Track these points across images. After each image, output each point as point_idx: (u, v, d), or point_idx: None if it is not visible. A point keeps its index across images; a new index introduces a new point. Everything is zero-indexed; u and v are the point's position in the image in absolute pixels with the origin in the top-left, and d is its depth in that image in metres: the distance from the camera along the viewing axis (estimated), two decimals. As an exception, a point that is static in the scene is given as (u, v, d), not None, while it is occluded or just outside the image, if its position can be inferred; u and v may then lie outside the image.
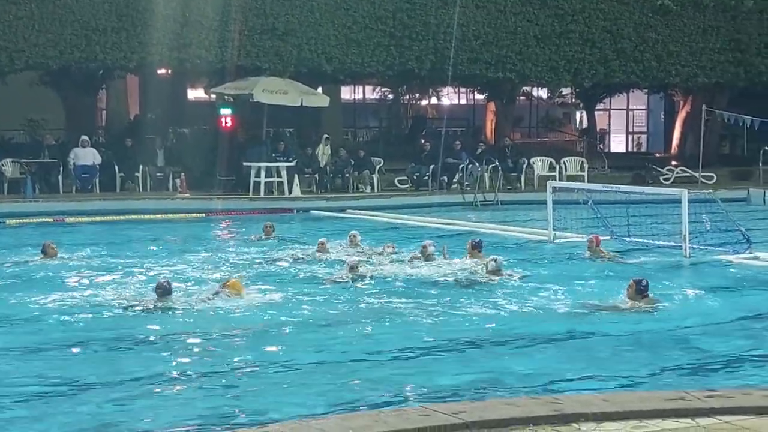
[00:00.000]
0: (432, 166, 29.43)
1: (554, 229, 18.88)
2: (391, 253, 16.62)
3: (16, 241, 19.29)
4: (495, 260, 14.71)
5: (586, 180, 29.47)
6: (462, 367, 9.80)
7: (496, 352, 10.54)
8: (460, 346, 10.69)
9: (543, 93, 46.96)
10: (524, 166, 31.02)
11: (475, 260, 15.44)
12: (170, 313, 12.11)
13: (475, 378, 9.36)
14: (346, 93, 43.88)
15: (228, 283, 13.04)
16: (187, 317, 11.92)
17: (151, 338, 11.00)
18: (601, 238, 17.29)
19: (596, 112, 43.90)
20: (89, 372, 9.55)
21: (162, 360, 10.08)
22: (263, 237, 19.23)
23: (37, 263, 15.77)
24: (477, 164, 28.93)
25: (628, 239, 18.33)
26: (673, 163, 34.96)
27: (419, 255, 15.97)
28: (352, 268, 14.45)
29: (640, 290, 12.36)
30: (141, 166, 28.26)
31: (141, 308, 12.34)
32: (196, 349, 10.54)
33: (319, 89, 31.75)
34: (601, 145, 43.58)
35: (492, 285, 14.12)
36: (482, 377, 9.39)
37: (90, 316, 12.07)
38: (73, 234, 20.39)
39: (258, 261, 16.54)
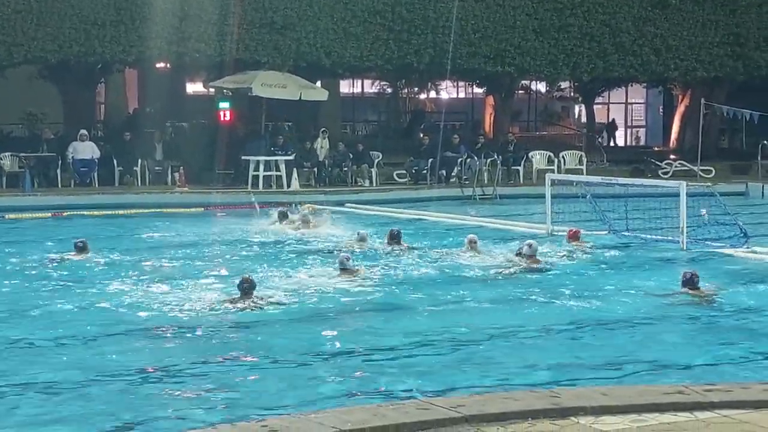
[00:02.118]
0: (431, 160, 29.42)
1: (552, 223, 18.89)
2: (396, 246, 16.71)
3: (18, 236, 19.32)
4: (530, 245, 14.92)
5: (584, 174, 29.48)
6: (461, 361, 9.81)
7: (494, 345, 10.56)
8: (460, 339, 10.71)
9: (542, 87, 46.95)
10: (523, 160, 31.05)
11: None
12: (169, 307, 12.14)
13: (474, 371, 9.38)
14: (345, 87, 43.85)
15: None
16: (187, 311, 11.94)
17: (152, 333, 11.01)
18: (583, 231, 17.47)
19: (595, 106, 43.90)
20: (92, 365, 9.59)
21: (159, 354, 10.10)
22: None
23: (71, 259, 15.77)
24: (476, 158, 28.92)
25: (626, 233, 18.34)
26: (672, 156, 34.95)
27: (466, 249, 16.06)
28: (342, 263, 14.21)
29: (684, 282, 12.72)
30: (140, 160, 28.23)
31: (138, 305, 12.37)
32: (195, 344, 10.56)
33: (318, 83, 31.76)
34: (600, 139, 43.61)
35: (495, 280, 14.17)
36: (481, 370, 9.41)
37: (101, 311, 12.13)
38: (72, 228, 20.37)
39: (259, 254, 16.57)
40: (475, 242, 16.18)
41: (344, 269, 14.03)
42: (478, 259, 15.64)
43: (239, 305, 12.00)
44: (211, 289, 13.07)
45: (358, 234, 17.21)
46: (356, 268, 14.28)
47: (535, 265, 14.85)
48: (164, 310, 12.01)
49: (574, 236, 17.16)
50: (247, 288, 12.22)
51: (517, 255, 15.29)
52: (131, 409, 8.22)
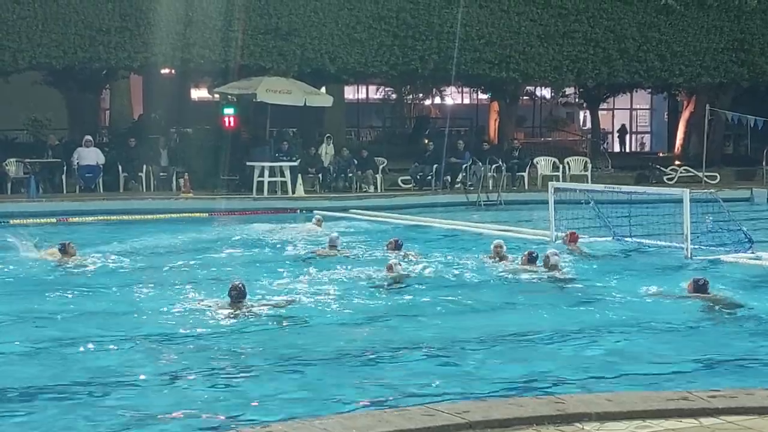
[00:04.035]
0: (435, 166, 29.45)
1: (556, 229, 18.88)
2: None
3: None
4: (556, 254, 14.87)
5: (589, 180, 29.49)
6: (465, 367, 9.81)
7: (499, 351, 10.56)
8: (464, 344, 10.70)
9: (546, 93, 47.00)
10: (528, 166, 31.07)
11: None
12: (171, 312, 12.15)
13: (479, 377, 9.37)
14: (350, 93, 43.93)
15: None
16: (189, 315, 11.94)
17: (152, 338, 11.00)
18: (587, 237, 17.56)
19: (600, 112, 43.91)
20: (89, 370, 9.59)
21: (163, 359, 10.10)
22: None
23: (56, 263, 15.74)
24: (480, 164, 28.93)
25: (629, 239, 18.33)
26: (677, 163, 34.98)
27: (493, 256, 15.95)
28: (390, 268, 14.36)
29: (697, 288, 12.76)
30: (144, 166, 28.28)
31: (140, 311, 12.38)
32: (198, 348, 10.55)
33: (323, 89, 31.76)
34: (605, 145, 43.63)
35: (499, 285, 14.17)
36: (486, 377, 9.41)
37: (102, 318, 12.14)
38: (77, 234, 20.40)
39: (263, 260, 16.58)
40: (502, 248, 16.03)
41: (391, 272, 14.21)
42: (489, 265, 15.63)
43: (237, 311, 11.99)
44: (214, 294, 13.05)
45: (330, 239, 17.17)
46: (403, 272, 14.44)
47: (558, 276, 14.66)
48: (166, 316, 12.01)
49: (572, 239, 17.17)
50: (236, 295, 12.15)
51: (524, 263, 15.29)
52: (130, 417, 8.20)
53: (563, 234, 17.86)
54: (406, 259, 16.13)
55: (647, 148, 50.99)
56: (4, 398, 8.73)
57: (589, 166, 32.05)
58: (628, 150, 49.86)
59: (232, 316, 11.86)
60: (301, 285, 13.99)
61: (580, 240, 17.58)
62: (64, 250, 15.90)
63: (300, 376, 9.53)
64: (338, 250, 16.87)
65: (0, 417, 8.18)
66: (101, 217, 23.24)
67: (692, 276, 13.46)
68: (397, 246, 16.76)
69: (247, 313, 11.94)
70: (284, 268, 15.65)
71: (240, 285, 12.35)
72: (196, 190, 27.14)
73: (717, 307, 12.50)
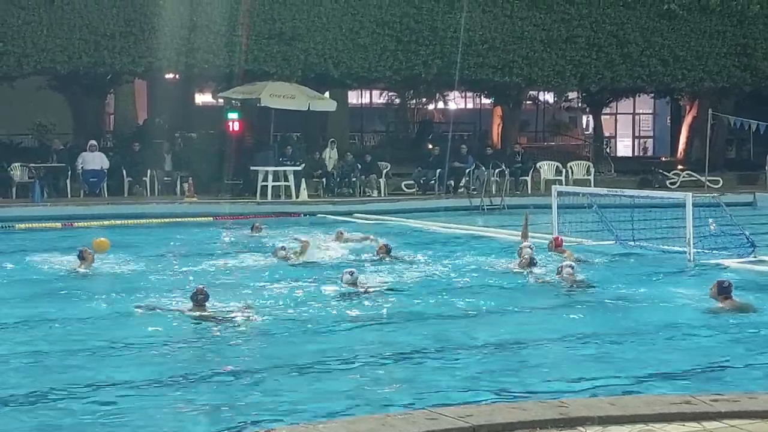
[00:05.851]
0: (439, 171, 29.49)
1: (559, 233, 18.89)
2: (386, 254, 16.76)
3: (29, 245, 19.40)
4: (571, 267, 14.72)
5: (592, 184, 29.52)
6: (469, 371, 9.84)
7: (502, 355, 10.59)
8: (467, 349, 10.73)
9: (549, 97, 47.00)
10: (531, 170, 31.11)
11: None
12: (173, 316, 12.17)
13: (482, 381, 9.40)
14: (353, 97, 43.89)
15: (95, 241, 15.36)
16: (190, 320, 11.97)
17: (156, 341, 11.03)
18: (590, 242, 17.67)
19: (603, 117, 43.90)
20: (88, 374, 9.63)
21: (167, 364, 10.13)
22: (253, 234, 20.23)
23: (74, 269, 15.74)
24: (483, 168, 28.96)
25: (632, 243, 18.35)
26: (680, 167, 34.99)
27: (519, 261, 15.84)
28: (350, 277, 13.92)
29: (721, 290, 12.58)
30: (149, 171, 28.35)
31: (142, 315, 12.41)
32: (202, 352, 10.59)
33: (326, 93, 31.82)
34: (607, 150, 43.65)
35: (501, 289, 14.20)
36: (489, 380, 9.44)
37: (99, 320, 12.17)
38: (81, 238, 20.42)
39: (264, 263, 16.60)
40: (531, 248, 15.91)
41: (351, 284, 13.84)
42: (490, 268, 15.66)
43: (242, 314, 12.01)
44: (218, 298, 13.05)
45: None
46: (363, 282, 14.16)
47: (578, 288, 14.30)
48: (168, 320, 12.02)
49: (557, 244, 17.17)
50: (201, 299, 12.08)
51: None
52: (130, 424, 8.24)
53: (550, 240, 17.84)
54: (402, 262, 16.24)
55: (650, 153, 50.96)
56: None
57: (592, 170, 32.09)
58: (628, 155, 49.73)
59: (231, 320, 11.89)
60: (300, 289, 14.03)
61: (580, 243, 17.60)
62: (82, 256, 15.86)
63: (304, 379, 9.55)
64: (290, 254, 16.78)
65: None
66: (105, 222, 23.26)
67: (716, 279, 13.26)
68: (387, 250, 16.85)
69: (248, 317, 11.96)
70: (286, 271, 15.70)
71: (203, 288, 12.25)
72: (200, 195, 27.19)
73: (719, 311, 12.52)
